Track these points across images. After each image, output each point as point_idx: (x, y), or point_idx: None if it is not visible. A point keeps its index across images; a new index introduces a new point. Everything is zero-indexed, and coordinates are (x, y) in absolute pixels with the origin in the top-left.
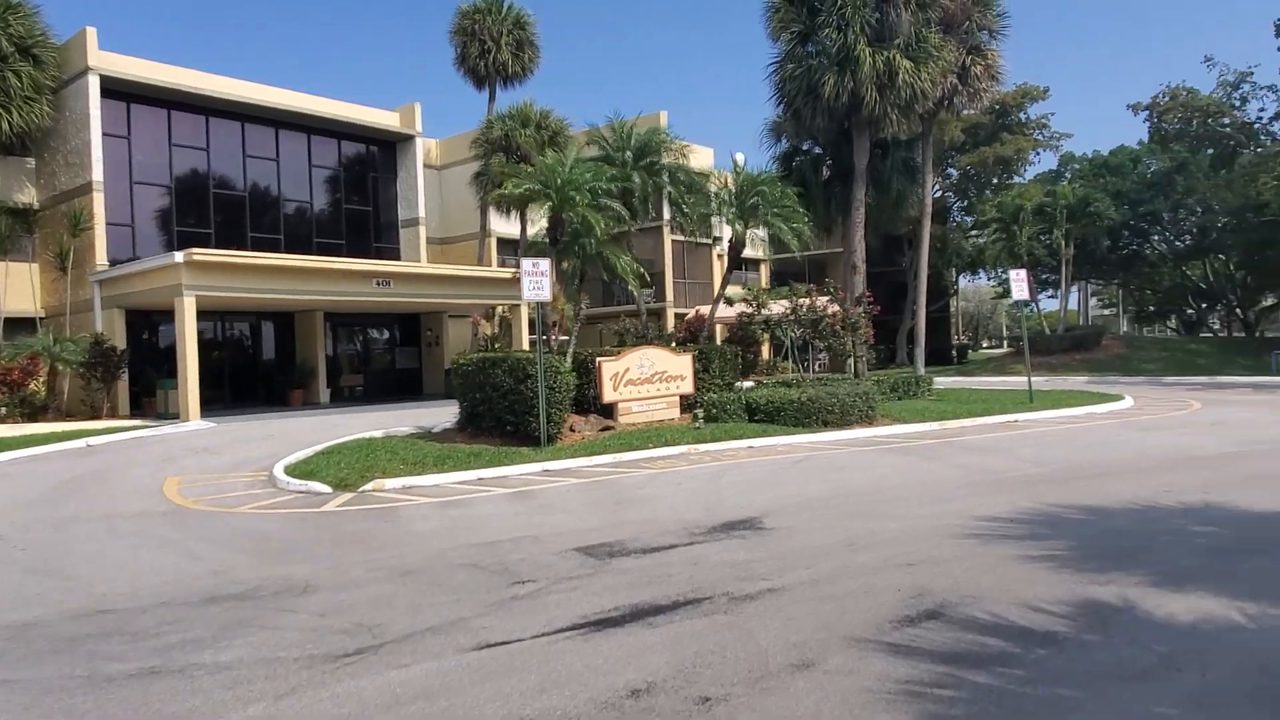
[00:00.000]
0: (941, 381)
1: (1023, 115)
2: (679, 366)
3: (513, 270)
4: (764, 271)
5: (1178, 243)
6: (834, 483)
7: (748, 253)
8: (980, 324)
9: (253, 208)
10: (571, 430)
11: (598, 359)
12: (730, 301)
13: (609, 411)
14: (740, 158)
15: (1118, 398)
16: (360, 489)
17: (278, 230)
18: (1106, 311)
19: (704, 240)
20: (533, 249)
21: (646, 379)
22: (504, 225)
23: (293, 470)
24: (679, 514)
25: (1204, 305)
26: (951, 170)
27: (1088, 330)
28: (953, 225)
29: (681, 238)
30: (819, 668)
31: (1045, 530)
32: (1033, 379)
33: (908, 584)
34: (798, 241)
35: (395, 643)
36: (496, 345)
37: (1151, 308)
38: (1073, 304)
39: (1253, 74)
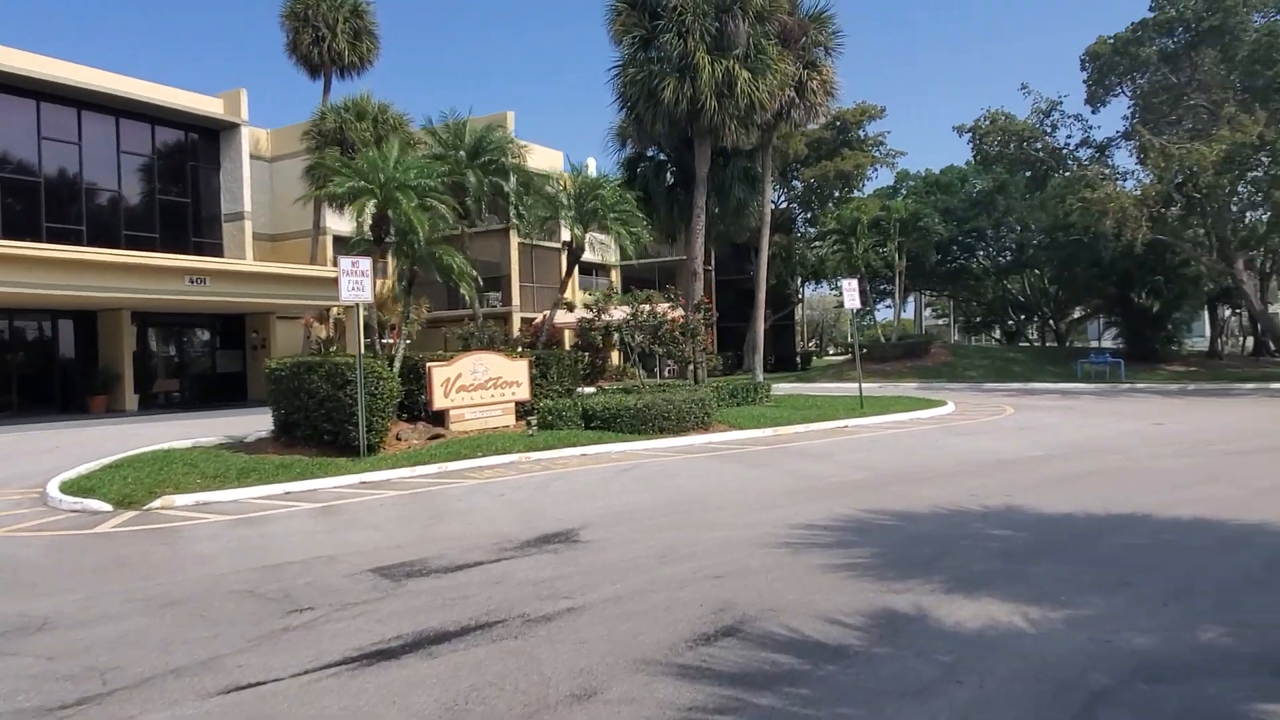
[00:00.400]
0: (782, 388)
1: (861, 132)
2: (515, 372)
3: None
4: (615, 277)
5: (1000, 258)
6: (661, 491)
7: (598, 258)
8: (825, 332)
9: (50, 196)
10: (398, 439)
11: (428, 364)
12: (571, 307)
13: (440, 419)
14: (592, 163)
15: (941, 403)
16: (146, 506)
17: (80, 221)
18: (940, 321)
19: (551, 244)
20: (358, 248)
21: (480, 385)
22: (340, 223)
23: (70, 487)
24: (495, 527)
25: (1023, 317)
26: (797, 182)
27: (919, 339)
28: (797, 236)
29: (529, 241)
30: (600, 697)
31: (855, 538)
32: (867, 385)
33: (713, 598)
34: (635, 246)
35: (128, 689)
36: (333, 349)
37: (978, 318)
38: (909, 314)
39: (1062, 103)
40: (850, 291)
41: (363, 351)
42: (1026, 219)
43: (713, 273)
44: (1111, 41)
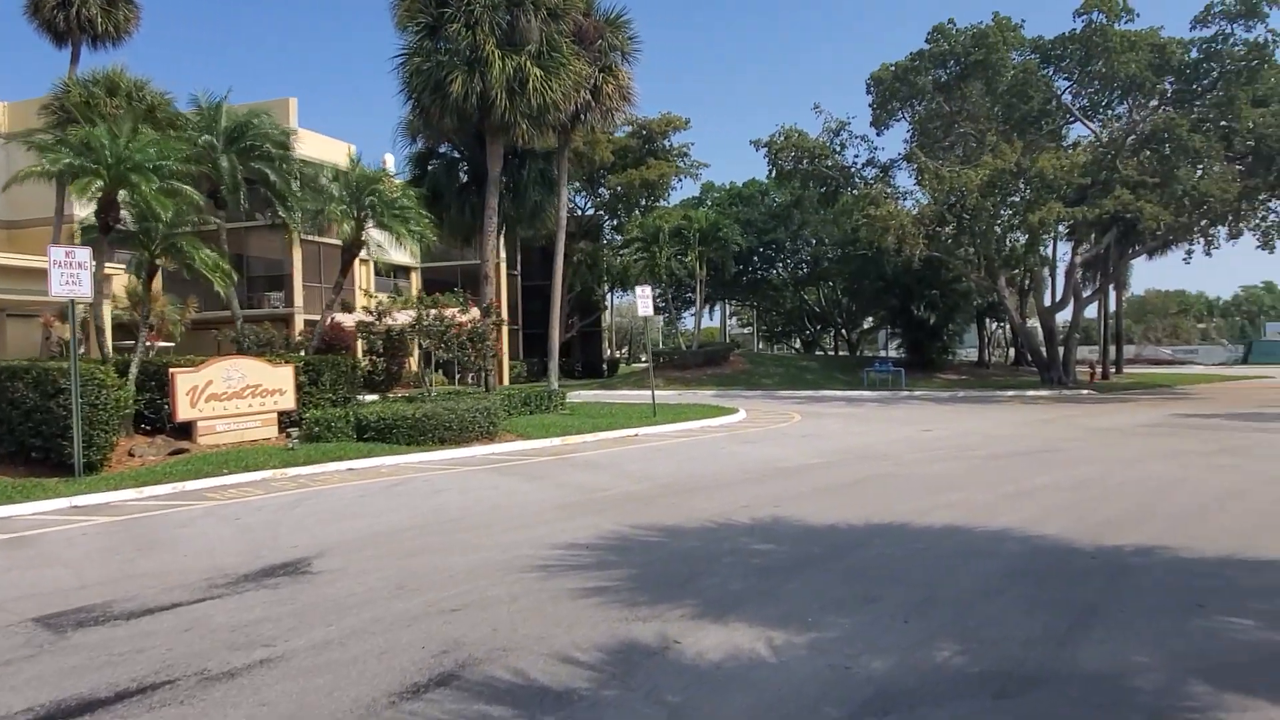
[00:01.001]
0: (581, 395)
1: (667, 143)
2: (277, 379)
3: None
4: (416, 279)
5: (797, 270)
6: (422, 510)
7: (400, 259)
8: (634, 339)
9: None
10: (131, 455)
11: (172, 370)
12: (349, 309)
13: (187, 431)
14: (389, 159)
15: (732, 411)
16: None
17: None
18: (746, 330)
19: (338, 242)
20: (87, 236)
21: (235, 394)
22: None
23: None
24: (213, 559)
25: (819, 327)
26: (604, 190)
27: (719, 347)
28: (605, 243)
29: (314, 238)
30: None
31: (615, 558)
32: (667, 393)
33: (440, 637)
34: (417, 245)
35: None
36: (81, 352)
37: (779, 328)
38: (716, 322)
39: (850, 124)
40: (644, 299)
41: (77, 354)
42: (820, 233)
43: (518, 277)
44: (893, 69)
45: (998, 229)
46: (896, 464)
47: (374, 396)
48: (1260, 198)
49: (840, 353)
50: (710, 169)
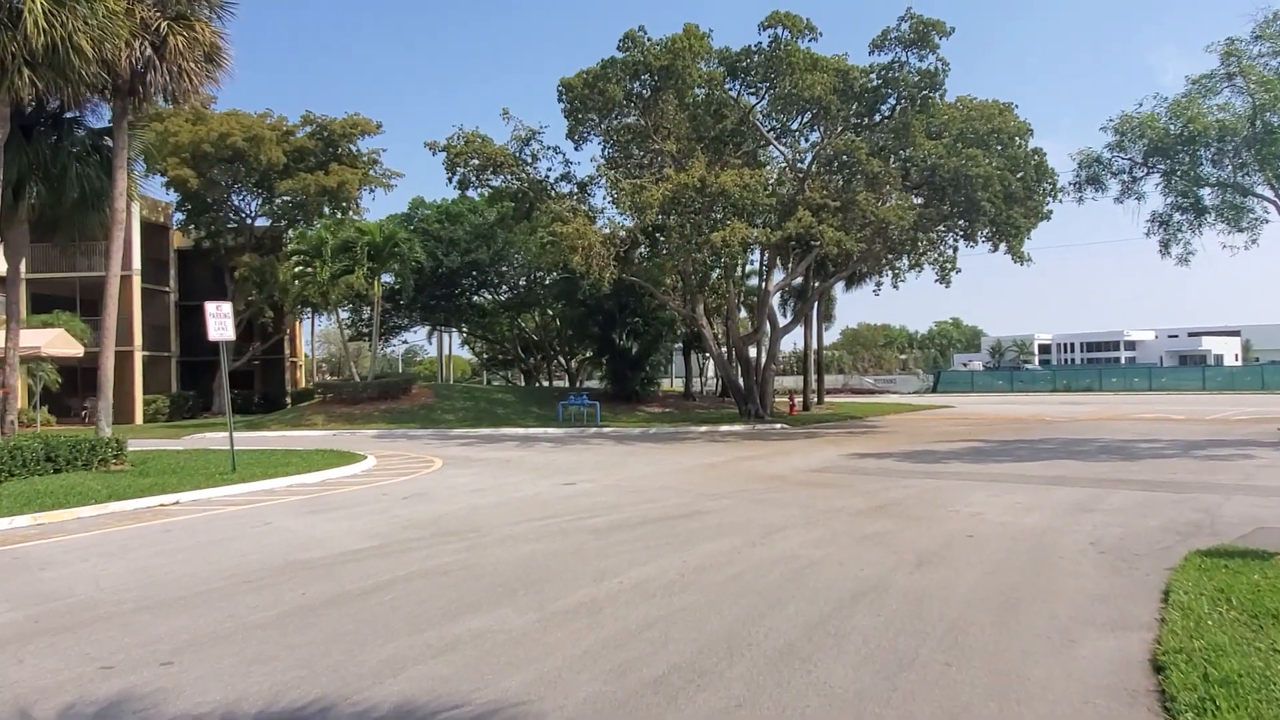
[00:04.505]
0: (207, 437)
1: (354, 147)
2: None
3: None
4: (19, 292)
5: (503, 294)
6: None
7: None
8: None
9: None
10: None
11: None
12: None
13: None
14: None
15: (359, 458)
16: None
17: None
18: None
19: None
20: None
21: None
22: None
23: None
24: None
25: (540, 356)
26: (286, 196)
27: (397, 378)
28: (283, 256)
29: None
30: None
31: None
32: (322, 432)
33: None
34: None
35: None
36: None
37: (500, 356)
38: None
39: (543, 133)
40: (215, 317)
41: None
42: (525, 255)
43: (170, 294)
44: (585, 75)
45: (693, 250)
46: (474, 545)
47: None
48: (939, 230)
49: (557, 383)
50: (402, 178)
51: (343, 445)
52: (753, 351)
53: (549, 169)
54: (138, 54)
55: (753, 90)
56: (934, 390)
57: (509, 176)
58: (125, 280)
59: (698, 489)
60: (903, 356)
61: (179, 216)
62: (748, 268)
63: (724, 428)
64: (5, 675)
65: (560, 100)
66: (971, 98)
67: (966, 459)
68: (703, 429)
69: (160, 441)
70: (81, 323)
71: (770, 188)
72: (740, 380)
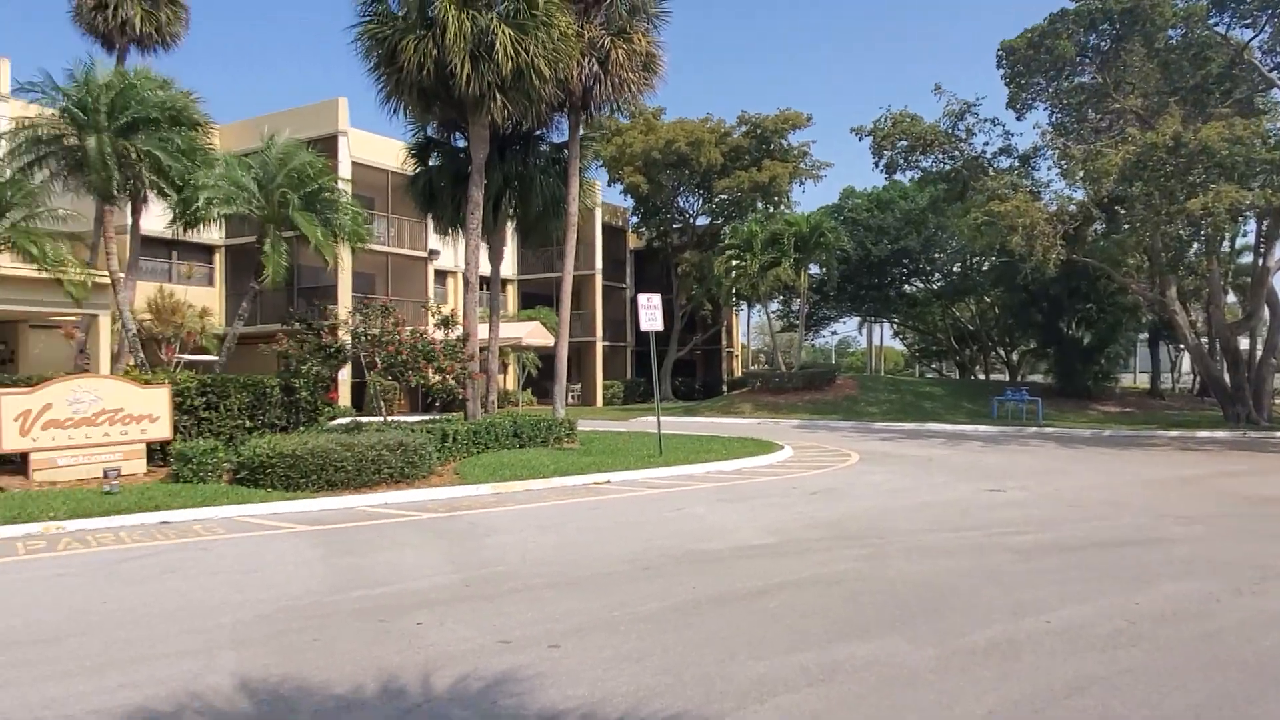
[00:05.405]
0: (637, 424)
1: (784, 142)
2: (147, 403)
3: (80, 267)
4: (511, 292)
5: (940, 282)
6: (65, 604)
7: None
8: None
9: None
10: None
11: None
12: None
13: (21, 465)
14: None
15: (775, 448)
16: None
17: None
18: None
19: (415, 252)
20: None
21: (86, 420)
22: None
23: None
24: None
25: (976, 348)
26: (723, 195)
27: (821, 369)
28: (718, 253)
29: (391, 249)
30: None
31: None
32: (747, 420)
33: None
34: (333, 252)
35: None
36: (85, 366)
37: (933, 348)
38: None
39: (979, 105)
40: (647, 309)
41: None
42: (959, 238)
43: (628, 291)
44: (1029, 35)
45: (1163, 222)
46: (875, 553)
47: (377, 419)
48: None
49: (995, 376)
50: (854, 173)
51: (764, 434)
52: (1244, 343)
53: (985, 144)
54: (586, 70)
55: (1247, 22)
56: None
57: (940, 156)
58: (588, 279)
59: (1161, 508)
60: None
61: (634, 219)
62: (1238, 241)
63: (1201, 434)
64: (426, 637)
65: (999, 66)
66: None
67: None
68: (1172, 434)
69: (610, 423)
70: (555, 316)
71: (1274, 139)
72: (1226, 377)
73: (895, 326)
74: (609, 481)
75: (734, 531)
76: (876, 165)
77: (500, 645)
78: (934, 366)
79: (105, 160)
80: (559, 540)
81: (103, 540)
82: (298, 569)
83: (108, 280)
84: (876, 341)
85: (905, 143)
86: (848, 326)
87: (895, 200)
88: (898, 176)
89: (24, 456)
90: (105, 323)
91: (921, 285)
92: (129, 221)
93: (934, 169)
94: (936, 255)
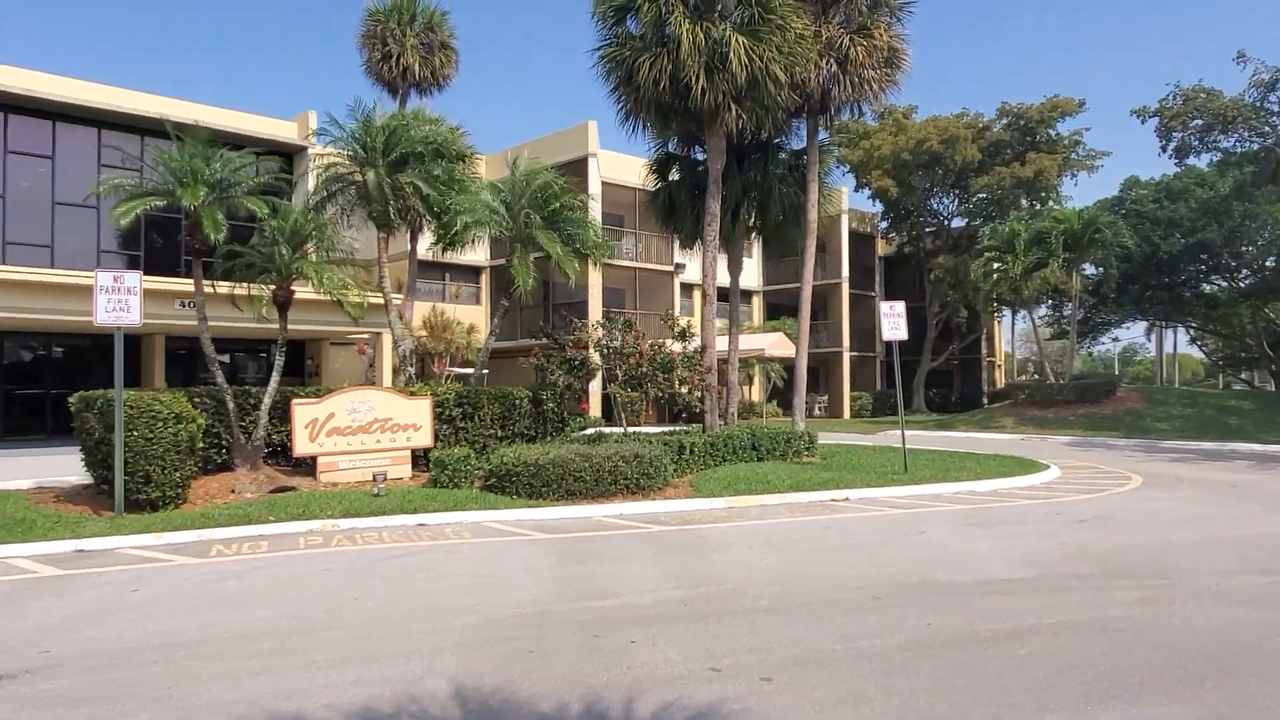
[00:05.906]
0: (882, 437)
1: (1052, 132)
2: (411, 413)
3: (358, 290)
4: (756, 303)
5: (1252, 278)
6: (317, 606)
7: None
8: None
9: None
10: (233, 491)
11: (292, 401)
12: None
13: (311, 467)
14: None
15: (1040, 468)
16: None
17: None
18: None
19: (662, 266)
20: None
21: (361, 428)
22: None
23: None
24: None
25: None
26: (981, 194)
27: (1097, 380)
28: (976, 255)
29: (639, 264)
30: None
31: None
32: (1009, 435)
33: None
34: (574, 267)
35: None
36: (373, 379)
37: (1241, 354)
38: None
39: None
40: (890, 317)
41: (121, 383)
42: (1274, 227)
43: (877, 299)
44: None
45: None
46: (1155, 596)
47: (619, 429)
48: None
49: None
50: (1137, 162)
51: (1027, 452)
52: None
53: None
54: (825, 72)
55: None
56: None
57: (1245, 134)
58: (834, 288)
59: None
60: None
61: (882, 225)
62: None
63: None
64: (637, 656)
65: None
66: None
67: None
68: None
69: (855, 436)
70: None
71: None
72: None
73: (1192, 331)
74: (847, 499)
75: (981, 561)
76: (1164, 150)
77: (710, 673)
78: (1242, 377)
79: (383, 192)
80: (785, 559)
81: (367, 539)
82: (528, 575)
83: (381, 301)
84: (1168, 349)
85: (1200, 121)
86: (1132, 332)
87: (1190, 188)
88: (1191, 161)
89: (313, 460)
90: (388, 339)
91: (1225, 283)
92: (408, 248)
93: (1238, 149)
94: (1244, 248)
